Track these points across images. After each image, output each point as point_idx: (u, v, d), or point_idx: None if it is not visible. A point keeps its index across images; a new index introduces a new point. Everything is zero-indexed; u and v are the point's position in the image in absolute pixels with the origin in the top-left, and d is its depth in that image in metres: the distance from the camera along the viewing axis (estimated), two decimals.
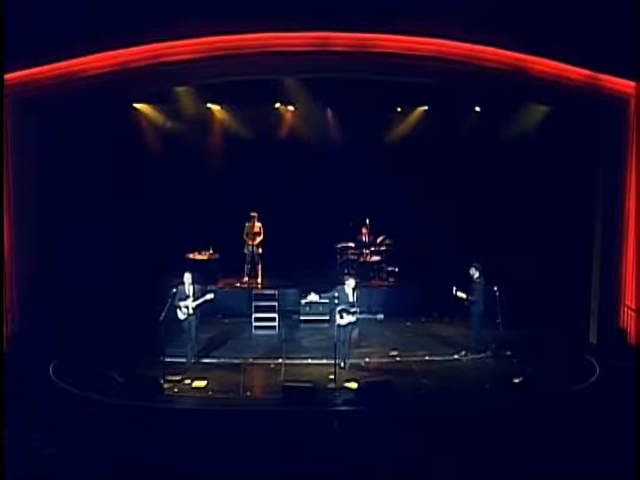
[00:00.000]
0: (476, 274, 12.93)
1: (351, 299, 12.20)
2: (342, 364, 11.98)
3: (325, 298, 12.36)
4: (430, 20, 12.16)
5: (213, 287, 13.05)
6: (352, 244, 16.89)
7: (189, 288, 12.45)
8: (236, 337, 14.30)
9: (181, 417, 10.39)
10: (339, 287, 12.37)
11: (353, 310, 12.11)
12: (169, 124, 16.50)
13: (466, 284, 12.88)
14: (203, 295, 12.44)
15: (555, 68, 12.69)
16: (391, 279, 16.71)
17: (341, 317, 12.08)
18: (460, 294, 12.79)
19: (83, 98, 13.15)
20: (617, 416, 9.78)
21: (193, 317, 12.45)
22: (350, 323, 12.20)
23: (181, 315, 12.40)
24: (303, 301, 14.83)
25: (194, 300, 12.37)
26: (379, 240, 16.86)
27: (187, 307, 12.36)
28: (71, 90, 12.63)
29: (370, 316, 12.24)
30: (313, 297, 12.43)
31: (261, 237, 16.31)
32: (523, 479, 8.49)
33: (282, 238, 16.28)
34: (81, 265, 14.40)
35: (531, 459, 8.73)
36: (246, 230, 16.32)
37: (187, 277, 12.50)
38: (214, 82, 14.26)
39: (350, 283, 12.32)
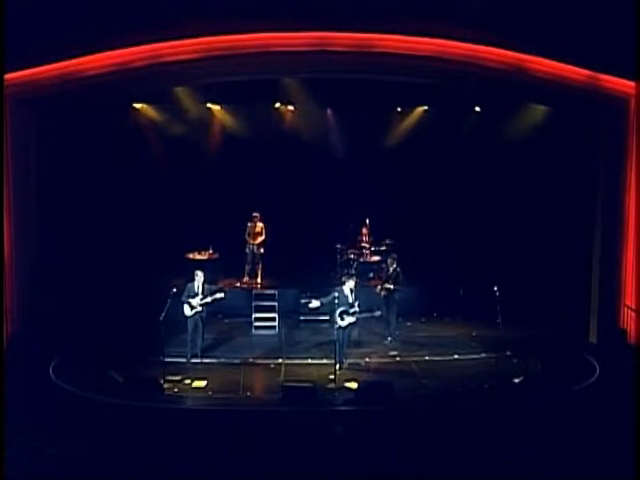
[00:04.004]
0: (394, 264, 13.85)
1: (350, 300, 12.23)
2: (338, 365, 11.95)
3: (326, 302, 12.47)
4: (430, 20, 12.17)
5: (214, 287, 13.06)
6: (352, 244, 16.86)
7: (199, 286, 12.51)
8: (236, 337, 14.31)
9: (181, 417, 10.38)
10: (338, 288, 12.39)
11: (352, 311, 12.15)
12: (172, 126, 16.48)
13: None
14: (212, 294, 12.51)
15: (555, 68, 12.69)
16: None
17: (342, 319, 12.10)
18: (387, 285, 13.74)
19: (83, 98, 13.15)
20: (617, 416, 9.78)
21: (199, 315, 12.50)
22: (350, 324, 12.24)
23: (187, 311, 12.45)
24: (310, 305, 14.72)
25: (202, 298, 12.42)
26: (384, 244, 16.80)
27: (195, 304, 12.41)
28: (71, 90, 12.64)
29: (368, 314, 12.35)
30: (315, 304, 12.52)
31: (263, 237, 16.27)
32: (523, 478, 8.50)
33: (282, 238, 16.27)
34: (81, 265, 14.41)
35: (531, 459, 8.74)
36: (248, 230, 16.30)
37: (199, 274, 12.62)
38: (214, 82, 14.27)
39: (349, 284, 12.36)
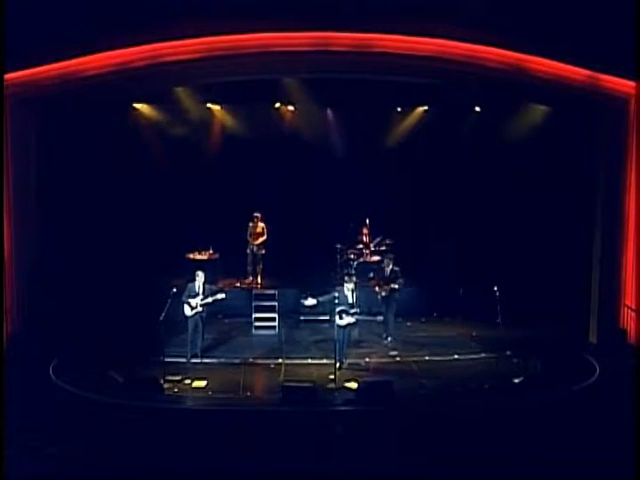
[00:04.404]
0: (390, 265, 13.79)
1: (350, 300, 12.24)
2: (339, 364, 11.96)
3: (323, 300, 12.48)
4: (430, 20, 12.17)
5: (214, 287, 13.07)
6: (352, 244, 16.86)
7: (200, 286, 12.51)
8: (236, 337, 14.31)
9: (181, 417, 10.38)
10: (338, 288, 12.40)
11: (352, 311, 12.15)
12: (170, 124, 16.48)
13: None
14: (213, 295, 12.51)
15: (555, 68, 12.69)
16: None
17: (340, 318, 12.09)
18: (392, 285, 13.55)
19: (83, 98, 13.15)
20: (617, 416, 9.78)
21: (199, 315, 12.51)
22: (349, 324, 12.24)
23: (188, 311, 12.45)
24: (305, 302, 14.72)
25: (203, 299, 12.42)
26: (375, 242, 16.77)
27: (196, 304, 12.41)
28: (71, 90, 12.64)
29: (370, 318, 12.33)
30: (311, 301, 12.53)
31: (264, 237, 16.24)
32: (523, 479, 8.50)
33: (282, 238, 16.27)
34: (81, 265, 14.41)
35: (531, 459, 8.74)
36: (249, 230, 16.29)
37: (199, 275, 12.63)
38: (214, 82, 14.27)
39: (349, 285, 12.36)
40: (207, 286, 12.66)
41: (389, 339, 13.79)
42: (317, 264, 16.53)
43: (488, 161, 16.26)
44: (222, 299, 12.63)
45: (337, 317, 12.08)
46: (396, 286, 13.60)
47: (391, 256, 14.11)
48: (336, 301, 12.04)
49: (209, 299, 12.50)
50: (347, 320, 12.14)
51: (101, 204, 15.26)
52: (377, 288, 13.88)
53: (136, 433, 9.47)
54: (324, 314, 14.28)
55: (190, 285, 12.59)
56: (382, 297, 13.81)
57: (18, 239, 12.91)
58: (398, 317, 14.31)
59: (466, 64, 12.53)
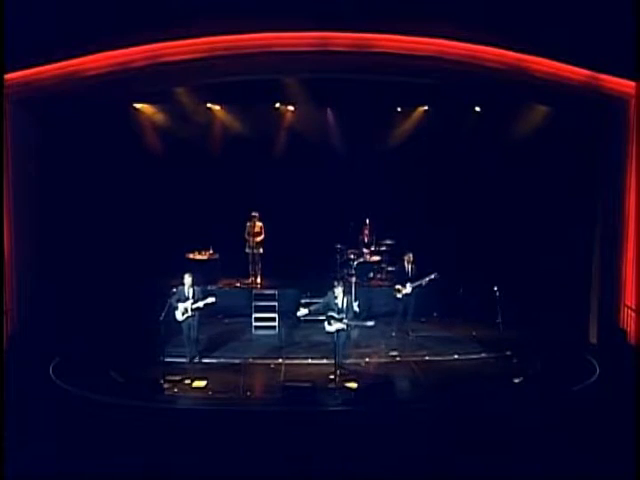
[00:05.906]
0: (411, 264, 14.13)
1: (340, 305, 12.01)
2: (338, 367, 11.93)
3: (315, 309, 12.43)
4: (430, 20, 12.17)
5: (213, 287, 13.04)
6: (352, 244, 16.85)
7: (189, 290, 12.45)
8: (236, 337, 14.31)
9: (181, 417, 10.39)
10: (329, 293, 12.26)
11: (340, 317, 11.93)
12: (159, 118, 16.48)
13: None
14: (204, 298, 12.44)
15: (555, 68, 12.69)
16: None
17: (329, 324, 12.02)
18: (428, 279, 13.90)
19: (83, 98, 13.16)
20: (617, 416, 9.78)
21: (191, 319, 12.47)
22: (339, 330, 12.00)
23: (179, 316, 12.40)
24: (297, 313, 14.58)
25: (194, 302, 12.38)
26: (384, 245, 16.79)
27: (186, 309, 12.36)
28: (71, 90, 12.64)
29: (360, 323, 12.13)
30: (303, 312, 12.48)
31: (262, 237, 16.28)
32: (523, 479, 8.51)
33: (282, 238, 16.27)
34: (81, 265, 14.41)
35: (531, 459, 8.75)
36: (247, 230, 16.30)
37: (187, 279, 12.49)
38: (214, 82, 14.27)
39: (338, 290, 12.10)
40: (197, 288, 12.52)
41: (411, 335, 13.98)
42: (317, 264, 16.53)
43: (488, 161, 16.25)
44: (213, 303, 12.54)
45: (326, 323, 12.02)
46: (426, 279, 13.83)
47: (410, 255, 14.16)
48: (336, 301, 12.00)
49: (200, 303, 12.41)
50: (336, 326, 11.97)
51: (101, 204, 15.26)
52: (398, 286, 13.92)
53: (136, 433, 9.47)
54: (324, 314, 14.25)
55: (180, 289, 12.47)
56: (404, 295, 13.91)
57: (18, 239, 12.90)
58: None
59: (466, 64, 12.52)
